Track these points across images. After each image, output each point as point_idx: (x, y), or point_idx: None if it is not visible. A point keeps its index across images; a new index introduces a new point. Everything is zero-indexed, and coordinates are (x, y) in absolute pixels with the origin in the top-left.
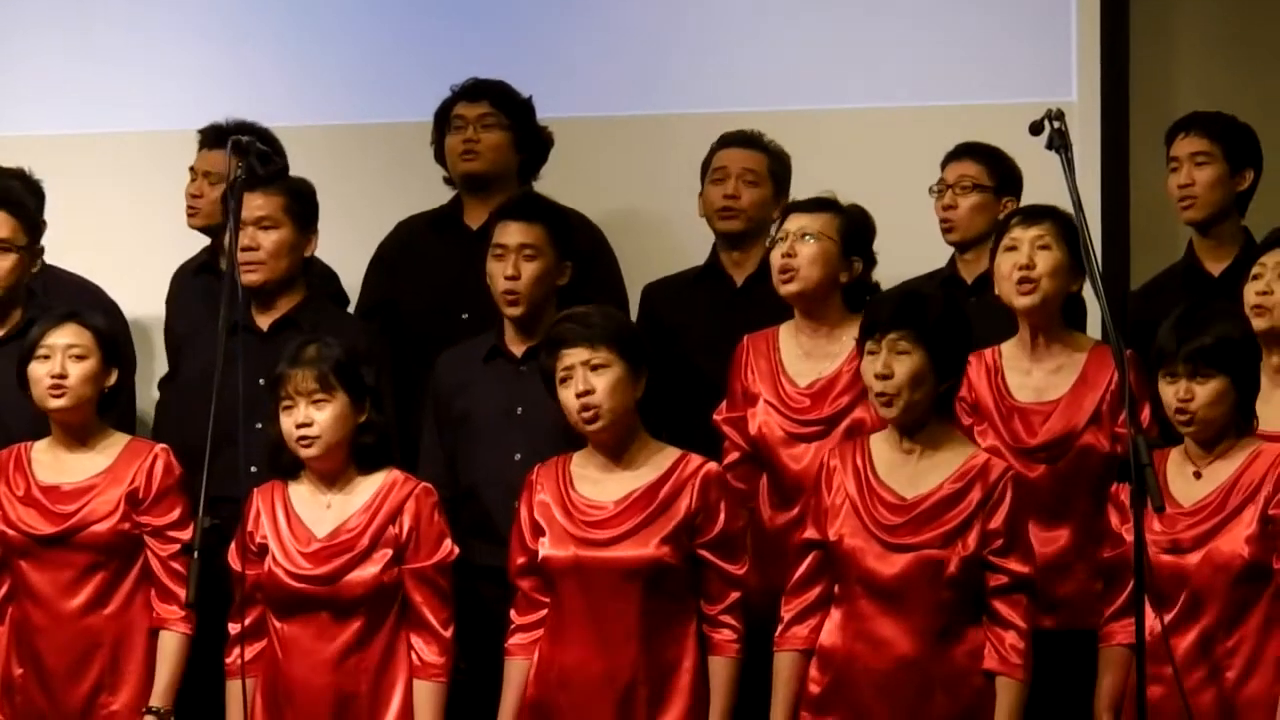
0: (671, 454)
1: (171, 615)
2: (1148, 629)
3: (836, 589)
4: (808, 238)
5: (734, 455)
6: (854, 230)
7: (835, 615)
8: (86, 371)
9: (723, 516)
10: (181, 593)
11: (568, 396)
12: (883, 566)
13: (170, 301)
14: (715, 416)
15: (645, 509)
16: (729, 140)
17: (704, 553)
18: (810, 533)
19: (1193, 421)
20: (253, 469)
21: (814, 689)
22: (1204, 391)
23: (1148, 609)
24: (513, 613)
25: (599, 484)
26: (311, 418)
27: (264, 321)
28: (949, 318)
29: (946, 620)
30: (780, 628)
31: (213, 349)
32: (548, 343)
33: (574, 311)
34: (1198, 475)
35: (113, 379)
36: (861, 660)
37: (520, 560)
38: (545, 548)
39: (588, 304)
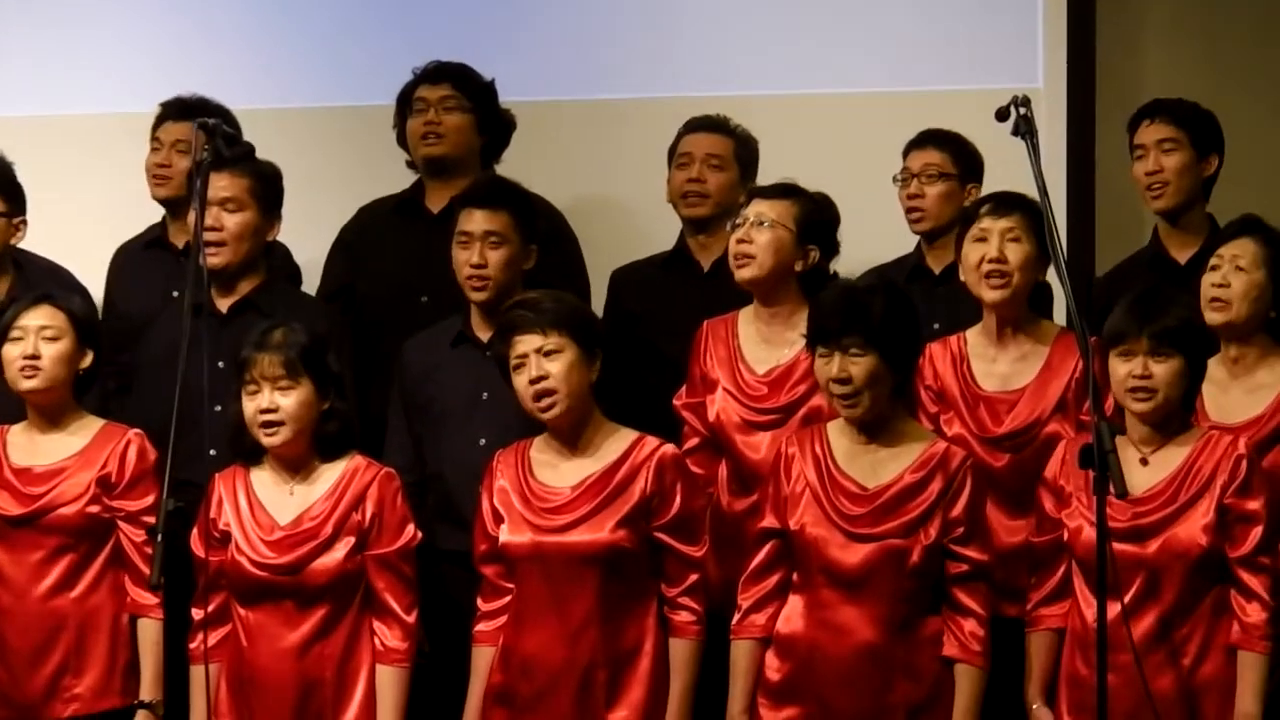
0: (628, 436)
1: (146, 602)
2: (1090, 616)
3: (796, 577)
4: (763, 224)
5: (694, 440)
6: (812, 218)
7: (795, 603)
8: (59, 353)
9: (679, 499)
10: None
11: (522, 383)
12: (845, 556)
13: (113, 277)
14: (675, 401)
15: (601, 493)
16: (695, 125)
17: (662, 535)
18: (769, 521)
19: (1151, 399)
20: (212, 452)
21: (774, 677)
22: (1162, 370)
23: (1088, 595)
24: (479, 600)
25: (557, 469)
26: (276, 404)
27: (223, 304)
28: (894, 313)
29: (908, 609)
30: (738, 616)
31: (173, 330)
32: (500, 329)
33: (525, 298)
34: (1144, 462)
35: (88, 361)
36: (823, 648)
37: (484, 547)
38: (504, 534)
39: (541, 289)
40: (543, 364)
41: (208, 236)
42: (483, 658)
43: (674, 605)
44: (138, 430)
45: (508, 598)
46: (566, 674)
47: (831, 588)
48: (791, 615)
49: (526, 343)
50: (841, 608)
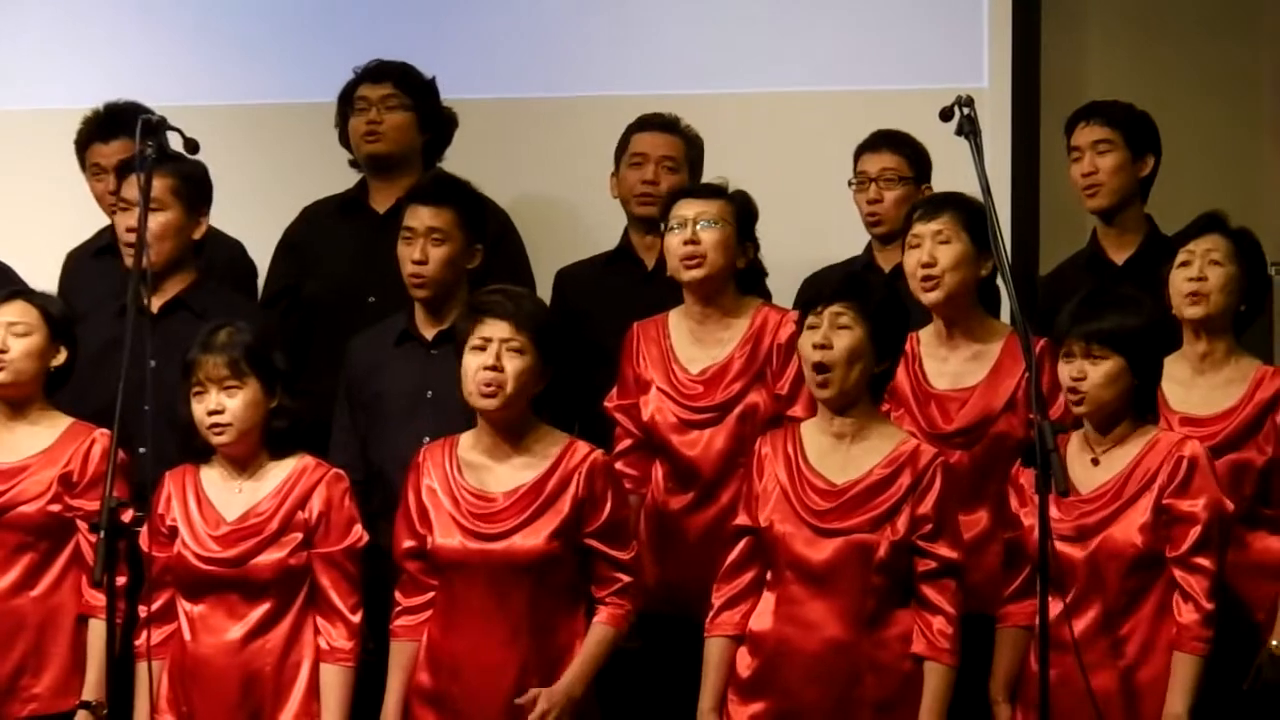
0: (559, 441)
1: (99, 604)
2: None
3: (769, 575)
4: (709, 224)
5: (626, 442)
6: (746, 215)
7: (767, 600)
8: (29, 347)
9: (609, 505)
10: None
11: (474, 365)
12: (812, 551)
13: (64, 282)
14: (606, 404)
15: (534, 501)
16: (647, 124)
17: (592, 541)
18: (741, 519)
19: (1084, 401)
20: (141, 450)
21: (744, 673)
22: (1096, 372)
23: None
24: (397, 594)
25: (488, 472)
26: (223, 405)
27: (154, 303)
28: (891, 301)
29: (876, 604)
30: (711, 614)
31: (107, 328)
32: (472, 308)
33: (508, 288)
34: (1095, 462)
35: (61, 358)
36: (792, 644)
37: (408, 543)
38: (435, 538)
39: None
40: (502, 356)
41: (131, 237)
42: (403, 653)
43: (603, 603)
44: (104, 430)
45: (429, 594)
46: (500, 677)
47: (800, 583)
48: (762, 612)
49: (495, 329)
50: (809, 603)
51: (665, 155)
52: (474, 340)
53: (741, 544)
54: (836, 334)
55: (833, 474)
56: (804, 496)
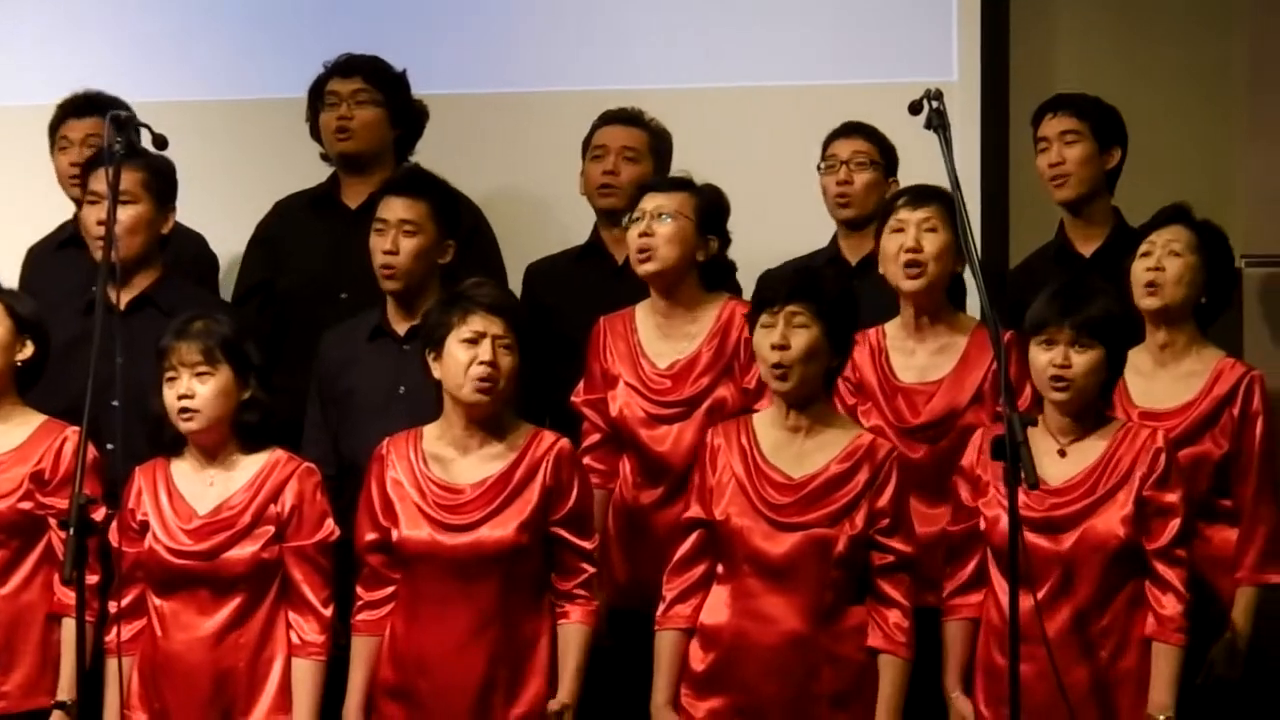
0: (525, 432)
1: (72, 601)
2: (1007, 607)
3: (720, 568)
4: (664, 217)
5: (594, 437)
6: (709, 209)
7: (720, 594)
8: None
9: (575, 493)
10: (89, 579)
11: (467, 357)
12: (771, 545)
13: (27, 277)
14: (574, 398)
15: (502, 492)
16: (610, 118)
17: (558, 530)
18: (694, 511)
19: (1070, 389)
20: (109, 446)
21: (698, 667)
22: (1082, 360)
23: (1005, 585)
24: (359, 588)
25: (454, 464)
26: (194, 390)
27: (121, 299)
28: (844, 296)
29: (833, 599)
30: (662, 607)
31: (74, 324)
32: (463, 298)
33: (491, 283)
34: (1062, 454)
35: (27, 352)
36: (749, 638)
37: (371, 536)
38: (401, 530)
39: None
40: (498, 352)
41: (100, 230)
42: (365, 646)
43: (570, 596)
44: (76, 428)
45: (390, 588)
46: (468, 671)
47: (757, 577)
48: (716, 605)
49: (491, 324)
50: (767, 597)
51: (625, 146)
52: (465, 333)
53: (693, 536)
54: (794, 333)
55: (788, 468)
56: (761, 490)
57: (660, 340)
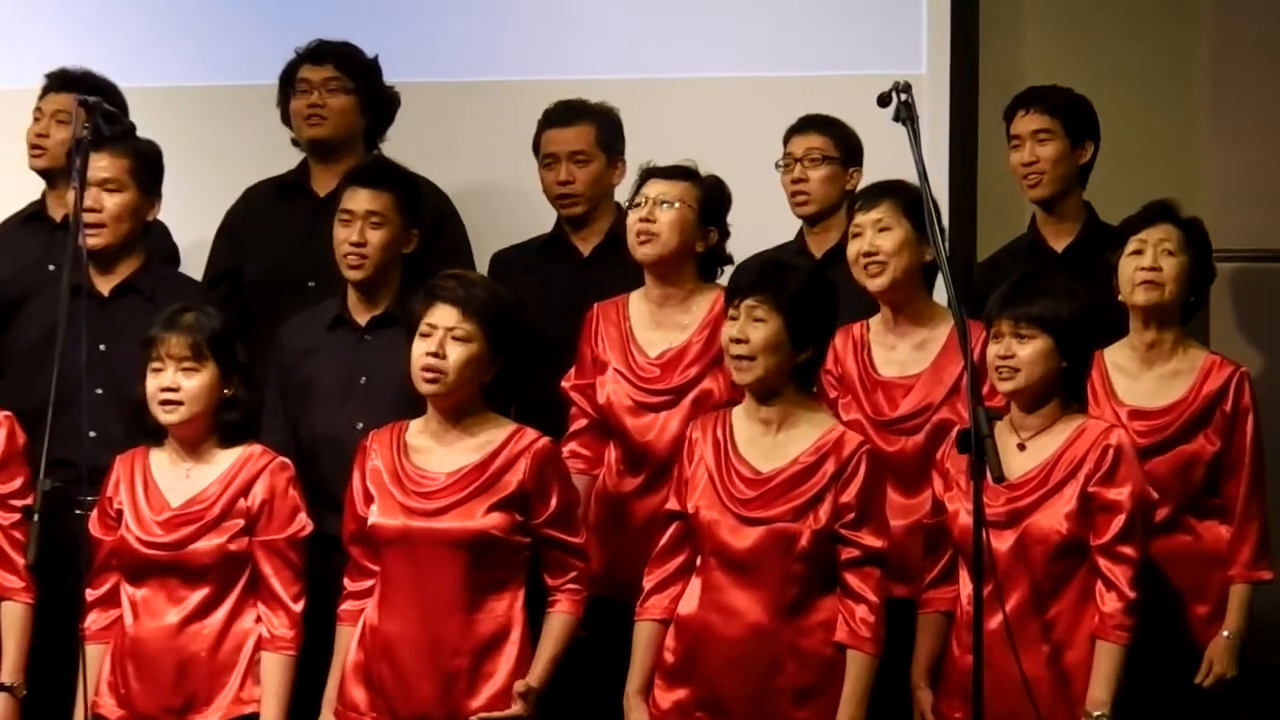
0: (506, 428)
1: (12, 585)
2: (966, 600)
3: (698, 560)
4: (666, 204)
5: (581, 422)
6: (711, 200)
7: (694, 585)
8: None
9: (558, 491)
10: (22, 562)
11: (419, 350)
12: (736, 539)
13: None
14: (563, 383)
15: (475, 480)
16: (552, 119)
17: (547, 530)
18: (672, 503)
19: (1013, 376)
20: (91, 434)
21: (669, 658)
22: (1024, 349)
23: (966, 579)
24: (346, 579)
25: (433, 454)
26: (179, 383)
27: (104, 286)
28: (810, 289)
29: (798, 592)
30: (641, 597)
31: (52, 311)
32: (425, 291)
33: (465, 274)
34: (1022, 447)
35: None
36: (713, 630)
37: (353, 527)
38: (374, 515)
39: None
40: (446, 344)
41: (87, 218)
42: (347, 636)
43: (559, 592)
44: (6, 413)
45: (373, 579)
46: (428, 659)
47: (723, 570)
48: (689, 596)
49: (441, 315)
50: (732, 590)
51: (574, 151)
52: (422, 326)
53: (672, 528)
54: (752, 326)
55: (759, 461)
56: (729, 484)
57: (652, 329)
